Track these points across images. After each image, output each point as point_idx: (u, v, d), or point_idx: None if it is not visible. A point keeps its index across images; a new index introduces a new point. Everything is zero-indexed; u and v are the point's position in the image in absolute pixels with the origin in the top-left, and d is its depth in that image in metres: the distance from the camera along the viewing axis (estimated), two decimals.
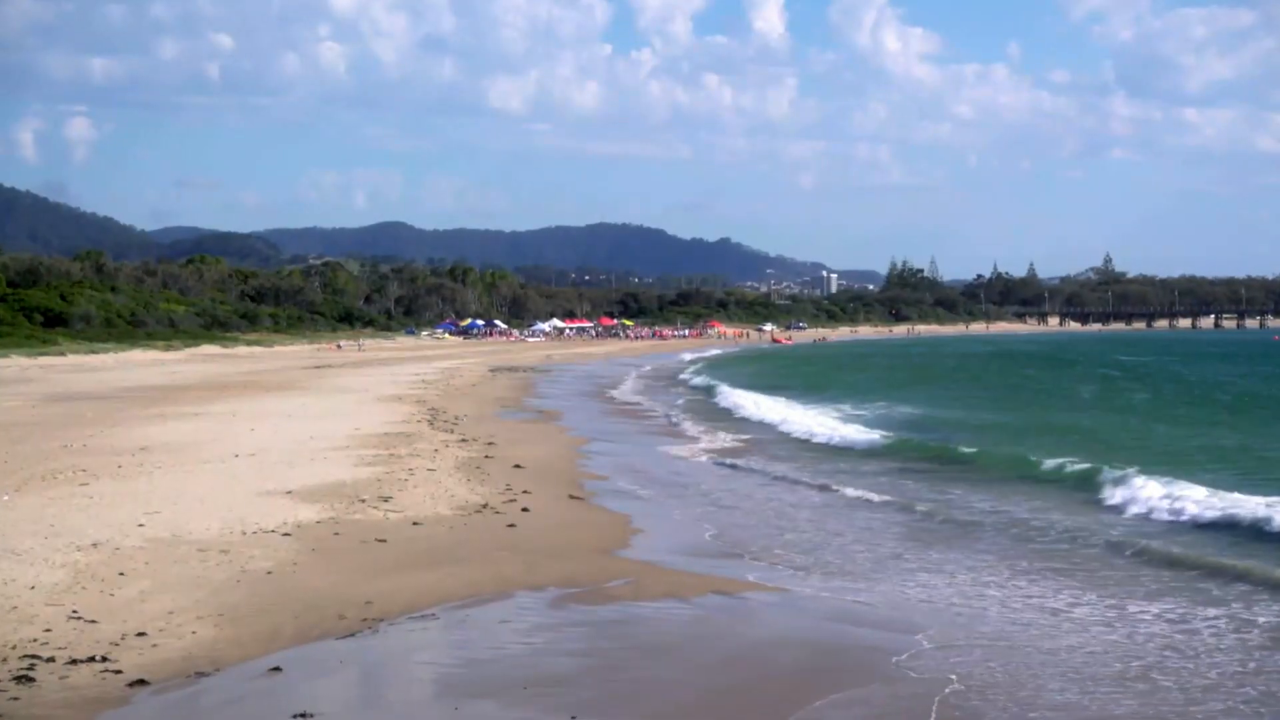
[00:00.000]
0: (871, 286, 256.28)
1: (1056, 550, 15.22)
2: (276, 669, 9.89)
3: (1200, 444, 27.36)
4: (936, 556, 14.87)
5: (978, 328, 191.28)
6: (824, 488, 20.64)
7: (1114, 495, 18.73)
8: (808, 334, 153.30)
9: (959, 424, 32.98)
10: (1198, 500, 17.42)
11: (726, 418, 35.12)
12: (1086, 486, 20.03)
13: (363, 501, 17.31)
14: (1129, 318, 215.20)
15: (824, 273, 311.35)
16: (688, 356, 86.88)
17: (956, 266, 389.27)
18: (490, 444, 25.28)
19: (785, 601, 12.58)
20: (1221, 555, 14.57)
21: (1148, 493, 18.18)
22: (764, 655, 10.76)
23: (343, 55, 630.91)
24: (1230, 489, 18.27)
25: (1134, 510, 17.79)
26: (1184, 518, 16.94)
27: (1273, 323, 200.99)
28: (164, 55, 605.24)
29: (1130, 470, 19.90)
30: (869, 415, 35.75)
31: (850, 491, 20.05)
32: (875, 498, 19.44)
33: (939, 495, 19.77)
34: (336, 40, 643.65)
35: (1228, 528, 16.25)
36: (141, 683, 9.38)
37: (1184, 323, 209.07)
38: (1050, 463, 22.36)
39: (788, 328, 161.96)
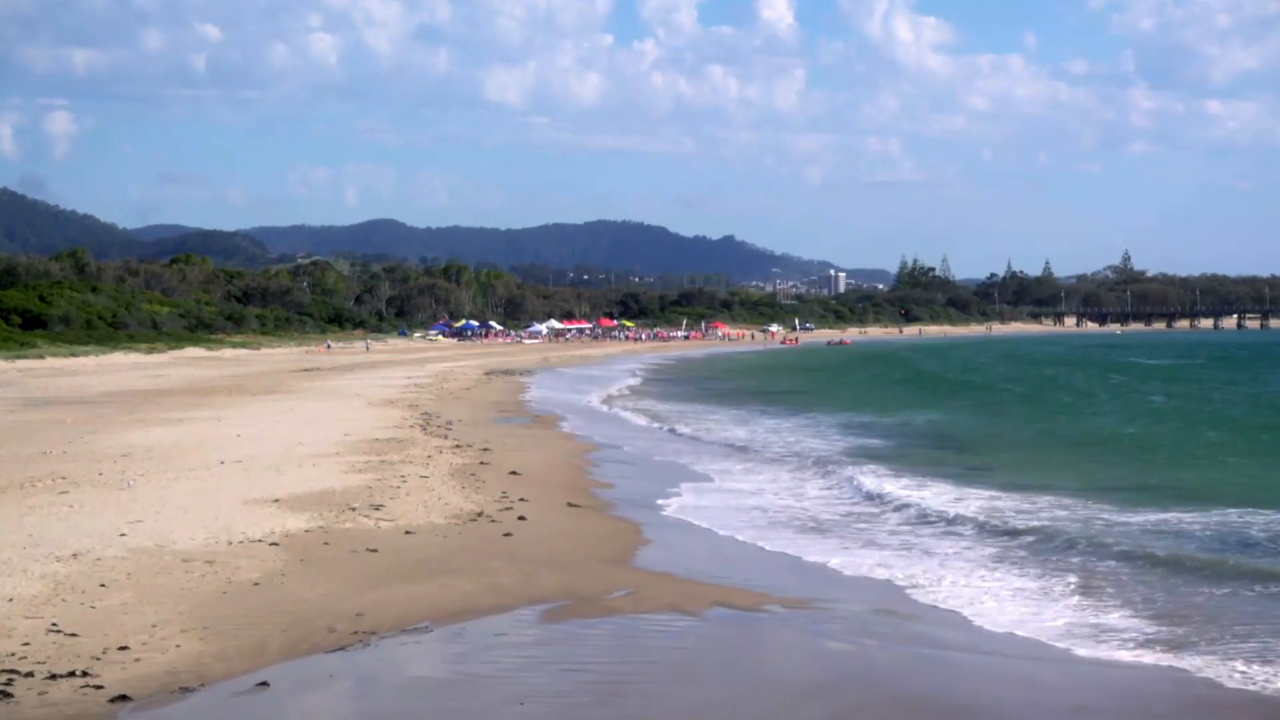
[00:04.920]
0: (881, 286, 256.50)
1: None
2: (264, 684, 9.88)
3: None
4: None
5: (996, 328, 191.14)
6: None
7: None
8: (813, 335, 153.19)
9: None
10: None
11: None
12: None
13: (353, 510, 17.30)
14: (1148, 318, 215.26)
15: (832, 272, 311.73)
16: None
17: (969, 265, 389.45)
18: (485, 450, 25.29)
19: (793, 614, 12.57)
20: None
21: None
22: (769, 670, 10.78)
23: (334, 46, 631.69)
24: None
25: None
26: None
27: None
28: (148, 47, 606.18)
29: None
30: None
31: None
32: None
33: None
34: (327, 31, 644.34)
35: None
36: (123, 698, 9.37)
37: (1205, 323, 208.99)
38: None
39: (794, 329, 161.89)
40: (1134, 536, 16.61)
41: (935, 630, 12.02)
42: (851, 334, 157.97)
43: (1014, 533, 16.90)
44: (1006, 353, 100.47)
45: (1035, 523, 17.65)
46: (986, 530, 17.13)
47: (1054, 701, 9.98)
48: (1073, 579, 13.95)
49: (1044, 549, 15.75)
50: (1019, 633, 11.89)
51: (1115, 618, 12.37)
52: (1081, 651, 11.26)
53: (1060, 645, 11.46)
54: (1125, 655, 11.14)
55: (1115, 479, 22.96)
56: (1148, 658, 11.04)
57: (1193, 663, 10.78)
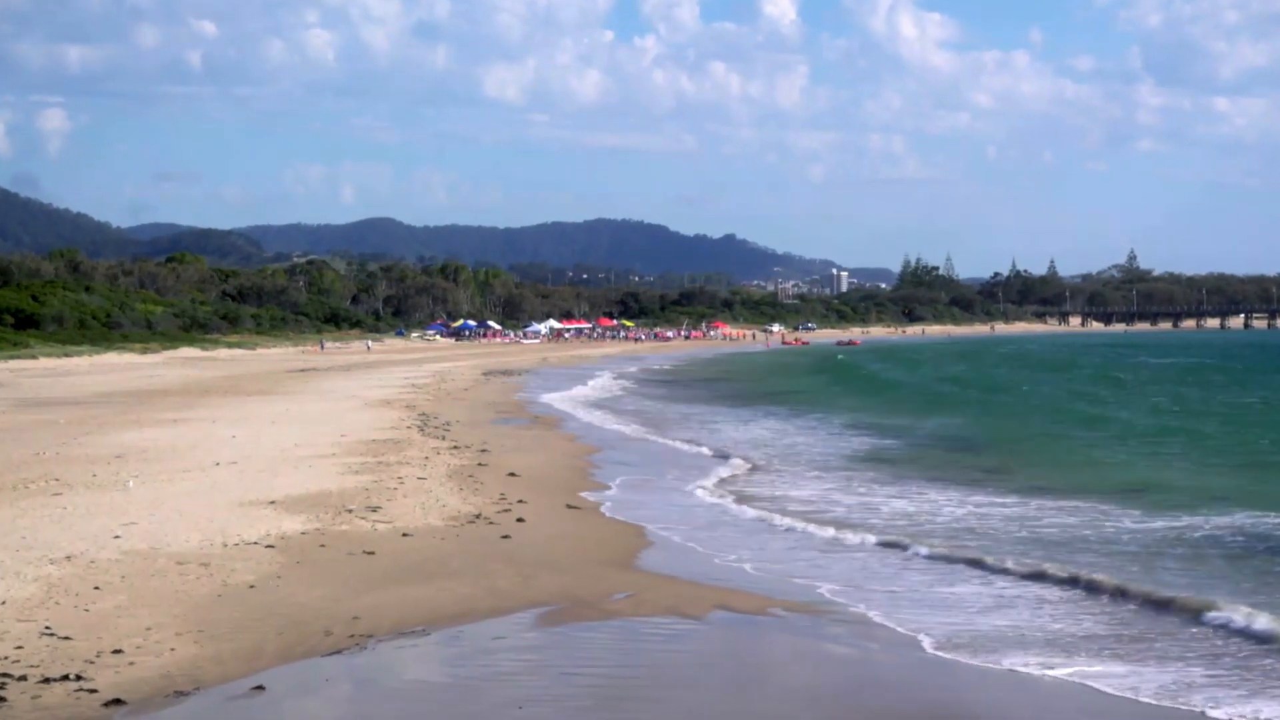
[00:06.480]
0: (884, 285, 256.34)
1: None
2: (259, 688, 9.90)
3: None
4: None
5: (1000, 328, 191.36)
6: None
7: None
8: (818, 335, 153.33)
9: None
10: None
11: None
12: None
13: (350, 512, 17.33)
14: (1154, 318, 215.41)
15: (834, 270, 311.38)
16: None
17: (973, 264, 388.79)
18: (484, 451, 25.33)
19: (795, 618, 12.59)
20: None
21: None
22: (772, 675, 10.80)
23: (331, 43, 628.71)
24: None
25: None
26: None
27: None
28: (144, 43, 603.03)
29: None
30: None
31: None
32: None
33: None
34: (325, 27, 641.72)
35: None
36: (118, 702, 9.38)
37: (1212, 323, 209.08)
38: None
39: (797, 328, 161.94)
40: (1146, 541, 16.67)
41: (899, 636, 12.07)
42: (851, 334, 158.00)
43: (1010, 540, 16.94)
44: (1008, 355, 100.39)
45: (1029, 530, 17.70)
46: (987, 536, 17.16)
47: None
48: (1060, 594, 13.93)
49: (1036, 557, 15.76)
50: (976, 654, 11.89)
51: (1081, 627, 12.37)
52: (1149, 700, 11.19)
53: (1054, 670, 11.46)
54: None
55: (1125, 482, 22.96)
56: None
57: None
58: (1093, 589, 13.44)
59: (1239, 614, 11.97)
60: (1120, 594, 13.19)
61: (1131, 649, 11.35)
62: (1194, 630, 11.91)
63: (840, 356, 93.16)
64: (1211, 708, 9.72)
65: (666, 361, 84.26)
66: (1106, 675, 10.54)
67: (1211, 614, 12.12)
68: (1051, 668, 10.74)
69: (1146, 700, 9.95)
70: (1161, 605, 12.68)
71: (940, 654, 11.22)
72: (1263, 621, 11.73)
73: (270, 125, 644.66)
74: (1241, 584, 13.83)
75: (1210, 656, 11.08)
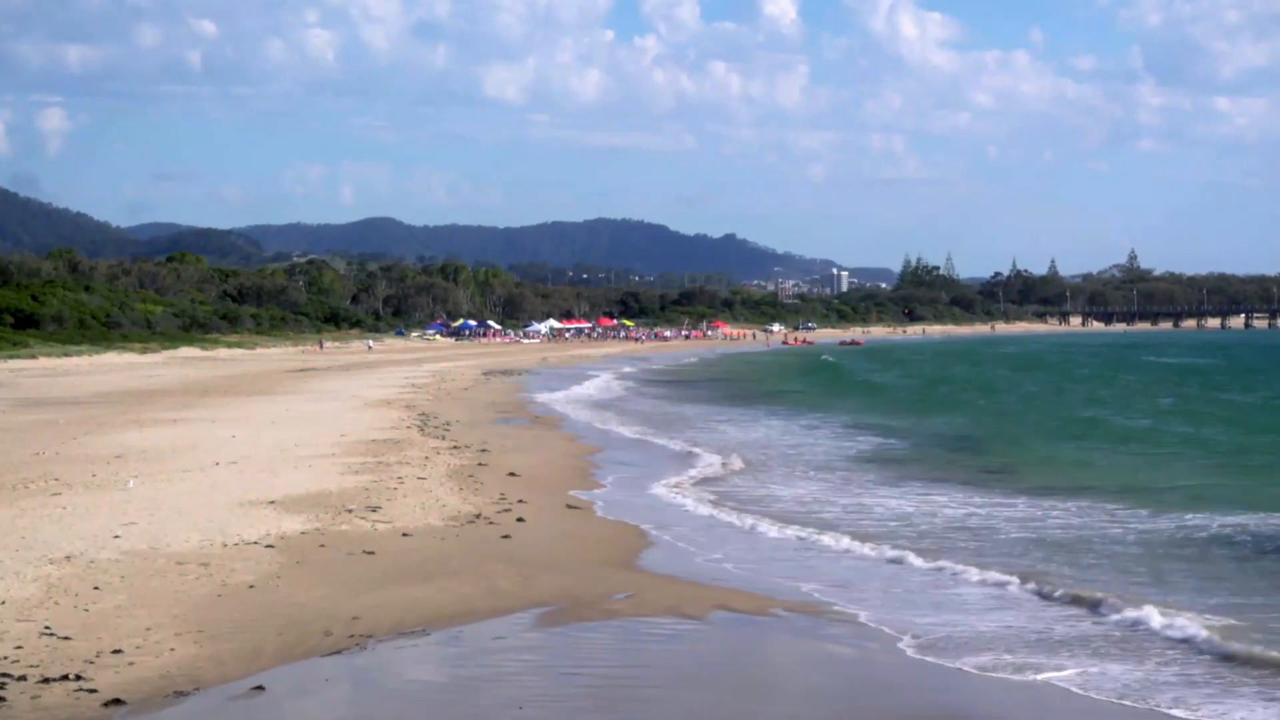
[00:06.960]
0: (884, 285, 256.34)
1: None
2: (259, 688, 9.89)
3: None
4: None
5: (1000, 328, 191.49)
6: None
7: None
8: (820, 335, 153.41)
9: None
10: None
11: None
12: None
13: (349, 511, 17.32)
14: (1155, 317, 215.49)
15: (834, 270, 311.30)
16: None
17: (974, 264, 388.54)
18: (484, 451, 25.32)
19: (795, 620, 12.58)
20: None
21: None
22: (771, 675, 10.79)
23: (330, 42, 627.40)
24: None
25: None
26: None
27: None
28: (143, 43, 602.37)
29: None
30: None
31: None
32: None
33: None
34: (324, 26, 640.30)
35: None
36: (117, 702, 9.38)
37: (1213, 323, 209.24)
38: None
39: (797, 328, 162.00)
40: (1151, 543, 16.65)
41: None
42: (854, 333, 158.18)
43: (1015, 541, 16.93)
44: (1009, 356, 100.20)
45: (1032, 531, 17.71)
46: (988, 539, 17.15)
47: None
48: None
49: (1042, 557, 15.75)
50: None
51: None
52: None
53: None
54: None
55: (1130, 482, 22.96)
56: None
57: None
58: (1074, 597, 13.30)
59: (1199, 629, 11.75)
60: (1097, 599, 13.08)
61: (1113, 651, 11.35)
62: (1168, 636, 11.77)
63: (826, 357, 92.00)
64: (1182, 709, 9.72)
65: (667, 361, 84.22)
66: (1080, 677, 10.54)
67: (1176, 623, 11.97)
68: (1033, 670, 10.74)
69: (1123, 702, 9.94)
70: (1135, 609, 12.51)
71: (924, 656, 11.21)
72: (1200, 632, 11.65)
73: (270, 125, 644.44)
74: (1249, 583, 13.86)
75: (1181, 661, 11.03)
